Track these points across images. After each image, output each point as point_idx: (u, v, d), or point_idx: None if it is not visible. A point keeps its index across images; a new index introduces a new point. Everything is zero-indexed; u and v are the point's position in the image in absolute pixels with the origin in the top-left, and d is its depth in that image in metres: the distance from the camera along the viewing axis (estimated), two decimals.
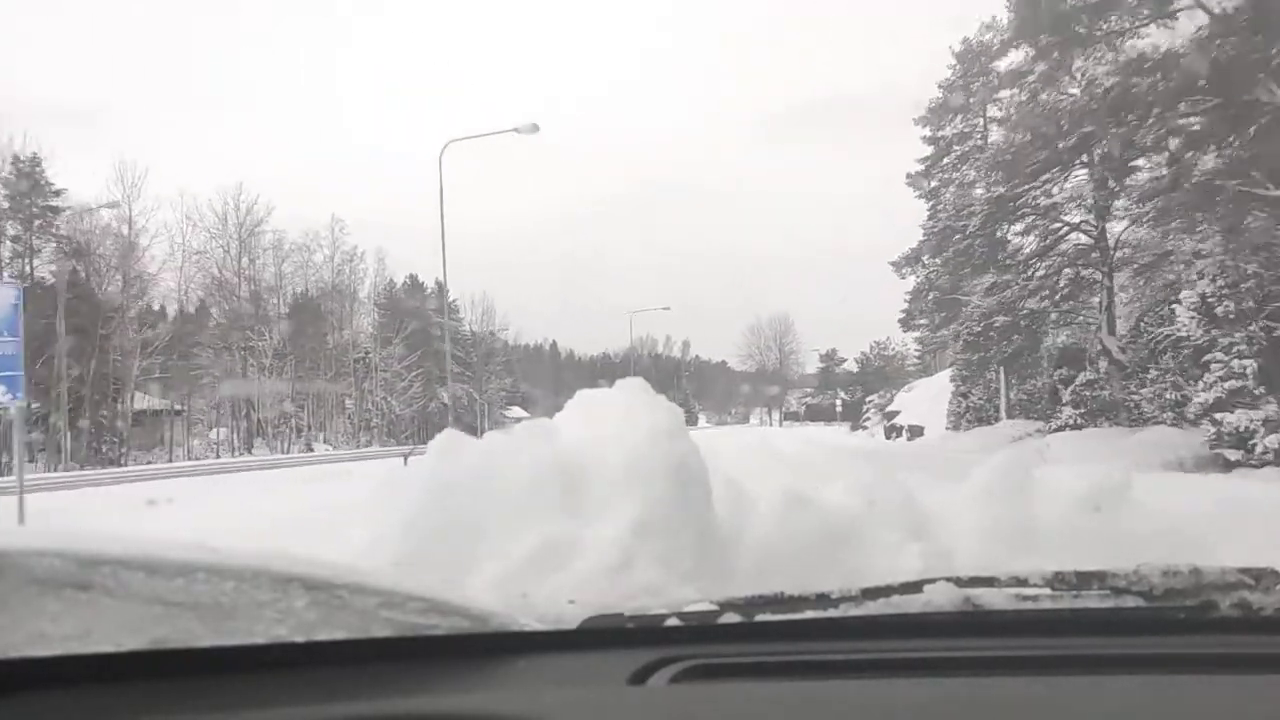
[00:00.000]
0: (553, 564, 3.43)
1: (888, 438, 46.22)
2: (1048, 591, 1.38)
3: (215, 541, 1.07)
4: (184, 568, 0.95)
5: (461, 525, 3.68)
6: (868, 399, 69.81)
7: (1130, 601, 1.30)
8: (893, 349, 79.39)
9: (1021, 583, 1.40)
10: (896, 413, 50.25)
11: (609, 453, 3.90)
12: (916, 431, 42.06)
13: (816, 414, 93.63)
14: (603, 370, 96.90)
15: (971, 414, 35.10)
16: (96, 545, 0.93)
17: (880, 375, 79.98)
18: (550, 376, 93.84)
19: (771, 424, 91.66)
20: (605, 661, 1.23)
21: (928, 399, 45.40)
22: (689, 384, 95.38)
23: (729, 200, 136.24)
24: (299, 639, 0.98)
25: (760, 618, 1.33)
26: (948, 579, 1.38)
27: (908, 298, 39.43)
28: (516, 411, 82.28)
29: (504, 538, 3.60)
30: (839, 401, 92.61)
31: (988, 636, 1.27)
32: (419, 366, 58.31)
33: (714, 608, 1.37)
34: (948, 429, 36.59)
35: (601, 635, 1.32)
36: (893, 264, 37.58)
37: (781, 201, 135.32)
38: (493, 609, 1.25)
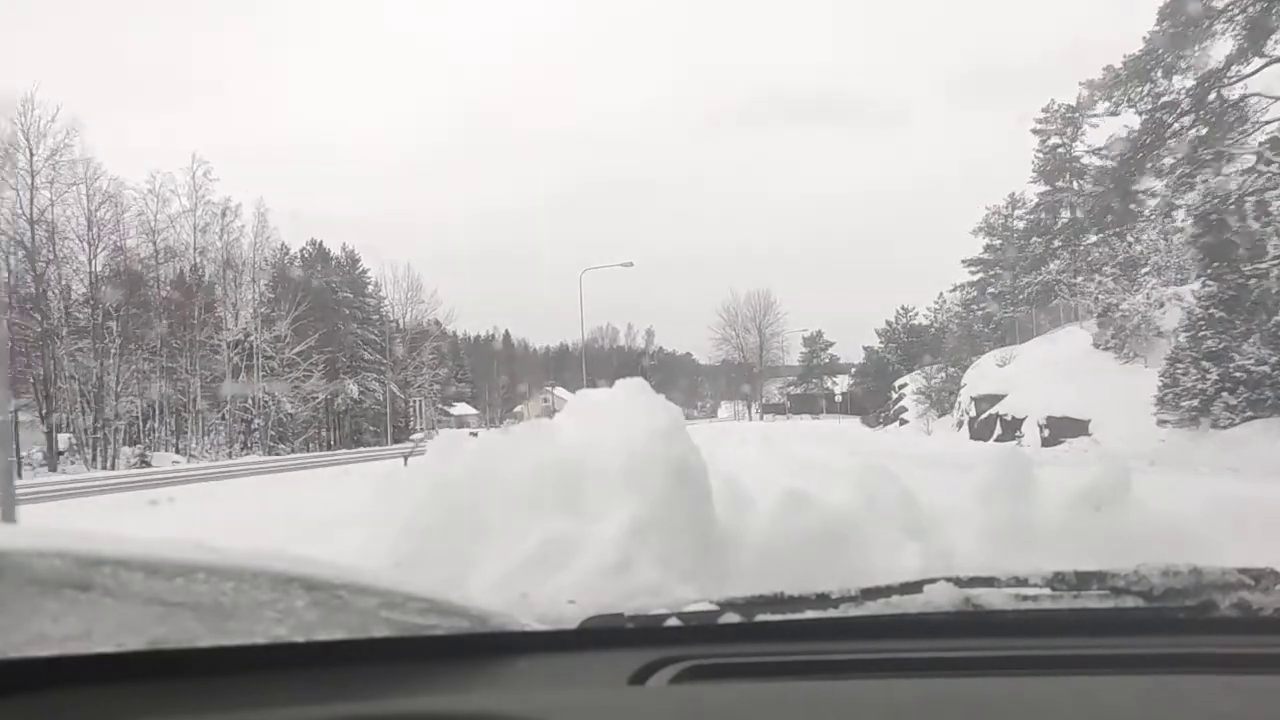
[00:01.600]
0: (553, 564, 3.43)
1: (979, 438, 29.57)
2: (1048, 591, 1.38)
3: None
4: (184, 568, 0.95)
5: (461, 525, 3.68)
6: (898, 384, 51.83)
7: (1130, 601, 1.31)
8: (948, 308, 55.86)
9: (1021, 583, 1.41)
10: (996, 397, 30.31)
11: (609, 453, 3.91)
12: (1069, 429, 23.48)
13: (801, 406, 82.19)
14: (559, 362, 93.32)
15: (1244, 391, 17.87)
16: (96, 545, 0.93)
17: (922, 348, 57.76)
18: (504, 370, 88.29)
19: (750, 418, 79.57)
20: (605, 661, 1.23)
21: (1050, 372, 27.68)
22: (652, 376, 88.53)
23: (697, 193, 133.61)
24: (299, 639, 0.98)
25: (760, 618, 1.34)
26: (948, 579, 1.39)
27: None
28: (463, 408, 75.67)
29: (504, 538, 3.60)
30: (837, 391, 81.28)
31: (988, 636, 1.28)
32: (320, 351, 46.22)
33: (714, 608, 1.37)
34: (1168, 423, 19.64)
35: (601, 635, 1.32)
36: (1072, 110, 22.87)
37: (754, 198, 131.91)
38: (493, 609, 1.25)
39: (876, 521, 4.18)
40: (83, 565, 0.89)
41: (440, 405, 68.52)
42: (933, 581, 1.38)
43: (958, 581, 1.38)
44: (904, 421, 45.65)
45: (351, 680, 1.04)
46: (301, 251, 55.05)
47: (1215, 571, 1.34)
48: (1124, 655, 1.18)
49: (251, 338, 43.13)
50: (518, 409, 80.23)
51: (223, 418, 42.50)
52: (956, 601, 1.32)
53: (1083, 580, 1.40)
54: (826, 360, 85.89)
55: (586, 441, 4.03)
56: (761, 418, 79.06)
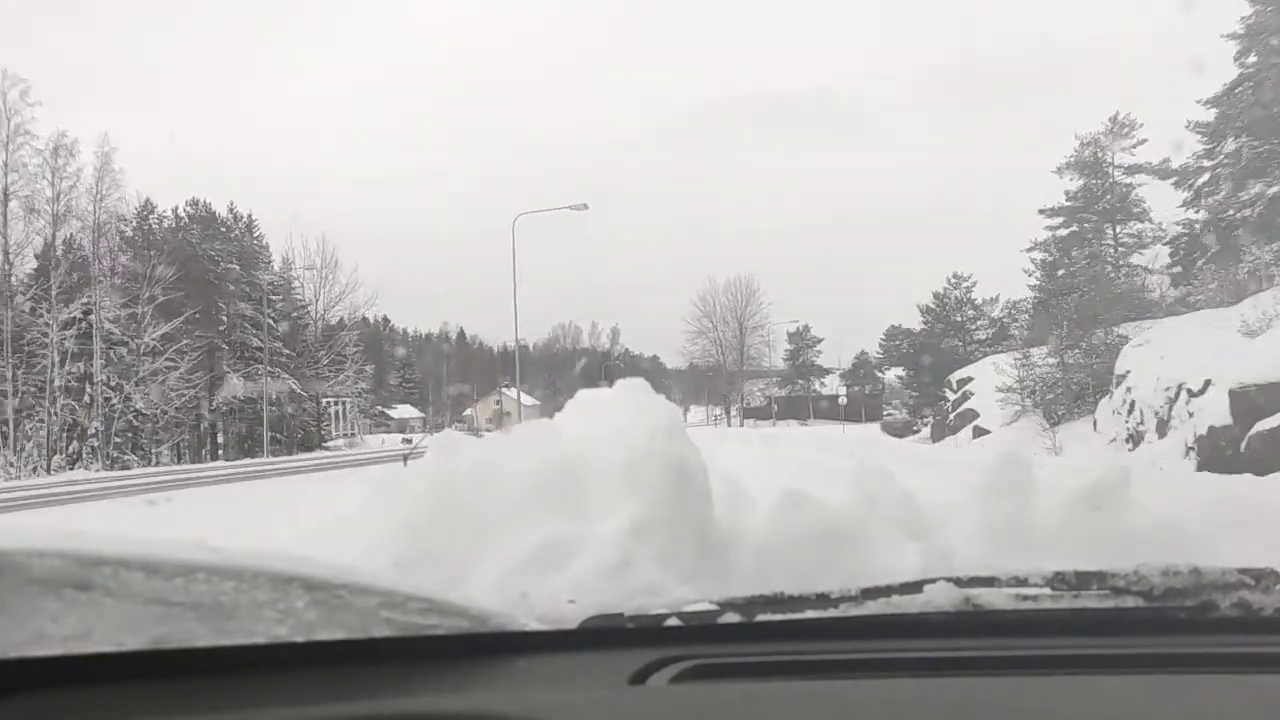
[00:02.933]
0: (553, 564, 3.43)
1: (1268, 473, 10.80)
2: (1048, 591, 1.38)
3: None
4: (184, 568, 0.95)
5: (461, 525, 3.68)
6: (956, 378, 38.89)
7: (1130, 601, 1.31)
8: (1051, 254, 39.25)
9: (1021, 583, 1.41)
10: None
11: (609, 453, 3.91)
12: None
13: (787, 410, 73.41)
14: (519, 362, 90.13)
15: None
16: (96, 545, 0.93)
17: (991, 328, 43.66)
18: (458, 369, 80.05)
19: (729, 423, 69.92)
20: (605, 661, 1.23)
21: None
22: (616, 377, 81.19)
23: (675, 194, 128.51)
24: (299, 639, 0.98)
25: (760, 618, 1.34)
26: (948, 579, 1.38)
27: None
28: (407, 410, 70.18)
29: (504, 538, 3.60)
30: (833, 393, 69.39)
31: (988, 636, 1.28)
32: (193, 336, 36.79)
33: (714, 608, 1.37)
34: None
35: (601, 635, 1.33)
36: None
37: (734, 199, 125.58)
38: (493, 609, 1.25)
39: (876, 521, 4.18)
40: (83, 565, 0.90)
41: (380, 407, 60.43)
42: (933, 581, 1.38)
43: (958, 581, 1.38)
44: (981, 430, 30.94)
45: (351, 680, 1.04)
46: (175, 210, 43.63)
47: (1215, 571, 1.34)
48: (1124, 655, 1.18)
49: (92, 315, 32.71)
50: (467, 412, 74.93)
51: (45, 420, 31.92)
52: (956, 601, 1.32)
53: (1083, 580, 1.40)
54: (818, 353, 78.30)
55: (586, 440, 4.04)
56: (742, 423, 68.76)
